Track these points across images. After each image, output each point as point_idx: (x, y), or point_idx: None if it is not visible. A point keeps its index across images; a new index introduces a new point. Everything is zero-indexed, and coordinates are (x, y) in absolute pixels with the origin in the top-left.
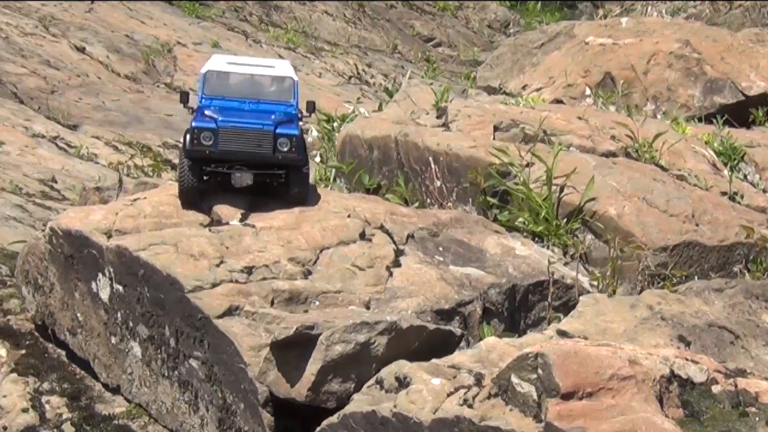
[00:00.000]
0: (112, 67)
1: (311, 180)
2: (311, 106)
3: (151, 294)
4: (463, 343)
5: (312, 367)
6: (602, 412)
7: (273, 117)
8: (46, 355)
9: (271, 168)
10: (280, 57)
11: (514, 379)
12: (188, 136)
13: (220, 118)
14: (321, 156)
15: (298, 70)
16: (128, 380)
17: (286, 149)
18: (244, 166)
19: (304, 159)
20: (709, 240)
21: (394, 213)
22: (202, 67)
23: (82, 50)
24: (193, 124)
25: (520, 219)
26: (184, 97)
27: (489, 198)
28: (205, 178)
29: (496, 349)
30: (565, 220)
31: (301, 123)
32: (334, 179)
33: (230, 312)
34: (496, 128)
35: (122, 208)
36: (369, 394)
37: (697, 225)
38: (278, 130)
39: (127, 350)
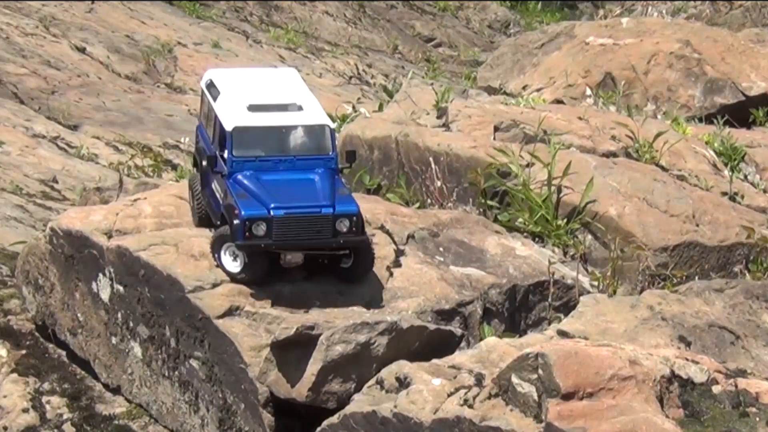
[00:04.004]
0: (112, 68)
1: None
2: (351, 156)
3: (152, 294)
4: (463, 344)
5: (312, 368)
6: (603, 412)
7: (319, 183)
8: (46, 355)
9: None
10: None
11: (515, 380)
12: (236, 224)
13: (272, 205)
14: None
15: (298, 70)
16: (129, 380)
17: (345, 229)
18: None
19: (365, 238)
20: (710, 240)
21: (395, 213)
22: (207, 80)
23: (82, 50)
24: (243, 213)
25: (520, 219)
26: (212, 162)
27: (489, 198)
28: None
29: (496, 349)
30: (565, 221)
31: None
32: None
33: (231, 312)
34: (496, 128)
35: (123, 209)
36: (369, 395)
37: (697, 225)
38: (337, 210)
39: (127, 350)
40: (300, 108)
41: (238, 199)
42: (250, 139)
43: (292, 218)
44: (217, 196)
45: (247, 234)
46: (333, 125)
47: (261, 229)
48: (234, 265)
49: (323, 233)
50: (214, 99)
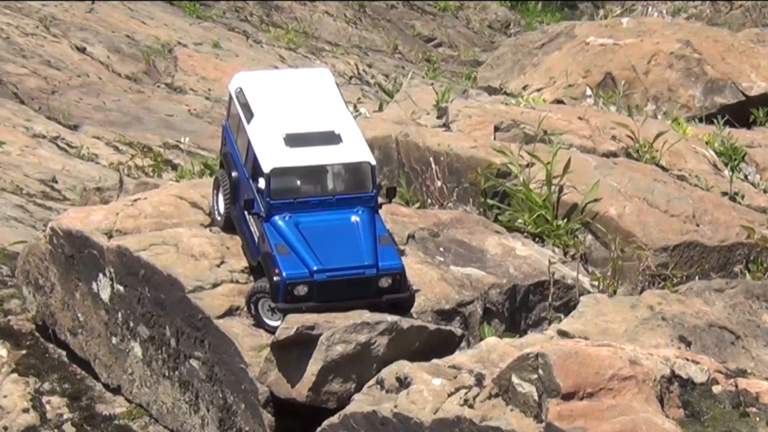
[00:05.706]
0: (112, 68)
1: None
2: (392, 193)
3: (152, 294)
4: (463, 344)
5: (312, 368)
6: (603, 412)
7: (361, 232)
8: (46, 355)
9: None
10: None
11: (515, 380)
12: (277, 284)
13: (315, 267)
14: None
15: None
16: (129, 380)
17: (388, 286)
18: None
19: (407, 296)
20: (710, 240)
21: (395, 213)
22: (239, 86)
23: (82, 50)
24: (284, 274)
25: (520, 219)
26: (249, 205)
27: (489, 198)
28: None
29: (496, 349)
30: (565, 221)
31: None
32: None
33: (231, 312)
34: (496, 128)
35: (123, 209)
36: (369, 395)
37: (697, 225)
38: (380, 269)
39: (127, 350)
40: (340, 139)
41: (278, 255)
42: (289, 179)
43: (334, 281)
44: (252, 231)
45: (288, 298)
46: (374, 163)
47: (302, 290)
48: (274, 319)
49: (366, 292)
50: (248, 120)
